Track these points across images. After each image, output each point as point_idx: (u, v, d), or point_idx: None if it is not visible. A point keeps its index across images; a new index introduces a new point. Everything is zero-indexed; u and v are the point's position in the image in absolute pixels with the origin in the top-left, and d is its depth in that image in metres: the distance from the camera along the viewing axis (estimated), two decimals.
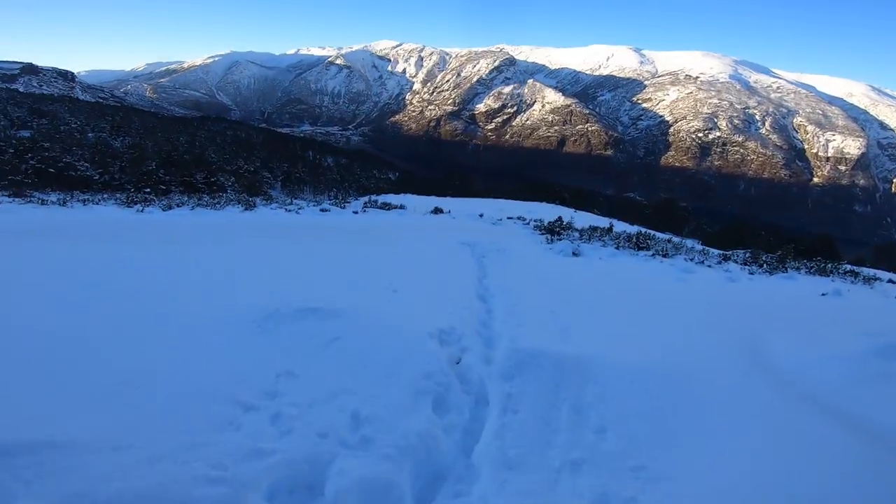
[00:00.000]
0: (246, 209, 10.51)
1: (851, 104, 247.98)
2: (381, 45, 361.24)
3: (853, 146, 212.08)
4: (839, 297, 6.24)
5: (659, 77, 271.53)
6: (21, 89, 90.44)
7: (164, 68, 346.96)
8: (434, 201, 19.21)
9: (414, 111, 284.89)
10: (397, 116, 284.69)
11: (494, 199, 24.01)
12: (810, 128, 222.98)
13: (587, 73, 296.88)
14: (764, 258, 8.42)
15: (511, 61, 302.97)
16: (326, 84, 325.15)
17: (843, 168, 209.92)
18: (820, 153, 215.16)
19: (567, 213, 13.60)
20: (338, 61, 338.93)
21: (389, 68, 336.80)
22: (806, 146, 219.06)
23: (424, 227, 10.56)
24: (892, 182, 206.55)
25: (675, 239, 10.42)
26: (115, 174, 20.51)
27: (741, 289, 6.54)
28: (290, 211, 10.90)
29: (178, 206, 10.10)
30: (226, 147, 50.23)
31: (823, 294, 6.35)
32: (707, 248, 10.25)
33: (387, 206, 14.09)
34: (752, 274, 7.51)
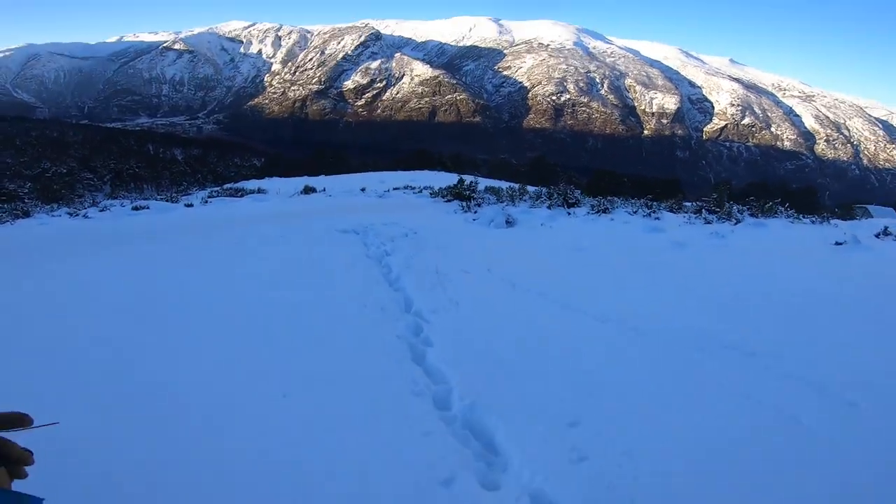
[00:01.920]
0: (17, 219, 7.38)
1: (667, 66, 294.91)
2: (231, 27, 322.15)
3: (671, 102, 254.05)
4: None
5: (516, 46, 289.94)
6: None
7: None
8: (304, 181, 16.78)
9: (275, 93, 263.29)
10: (256, 99, 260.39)
11: (373, 172, 22.22)
12: (638, 88, 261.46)
13: (452, 44, 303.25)
14: (715, 207, 6.97)
15: (377, 36, 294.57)
16: (164, 71, 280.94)
17: (665, 121, 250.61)
18: (647, 109, 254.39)
19: (453, 178, 12.50)
20: (176, 46, 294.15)
21: (242, 50, 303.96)
22: (636, 104, 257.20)
23: (288, 213, 8.32)
24: (703, 131, 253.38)
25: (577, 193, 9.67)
26: None
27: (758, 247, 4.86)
28: (83, 216, 7.90)
29: None
30: (27, 149, 40.92)
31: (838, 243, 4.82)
32: (613, 198, 9.68)
33: (238, 193, 11.50)
34: (722, 224, 6.11)
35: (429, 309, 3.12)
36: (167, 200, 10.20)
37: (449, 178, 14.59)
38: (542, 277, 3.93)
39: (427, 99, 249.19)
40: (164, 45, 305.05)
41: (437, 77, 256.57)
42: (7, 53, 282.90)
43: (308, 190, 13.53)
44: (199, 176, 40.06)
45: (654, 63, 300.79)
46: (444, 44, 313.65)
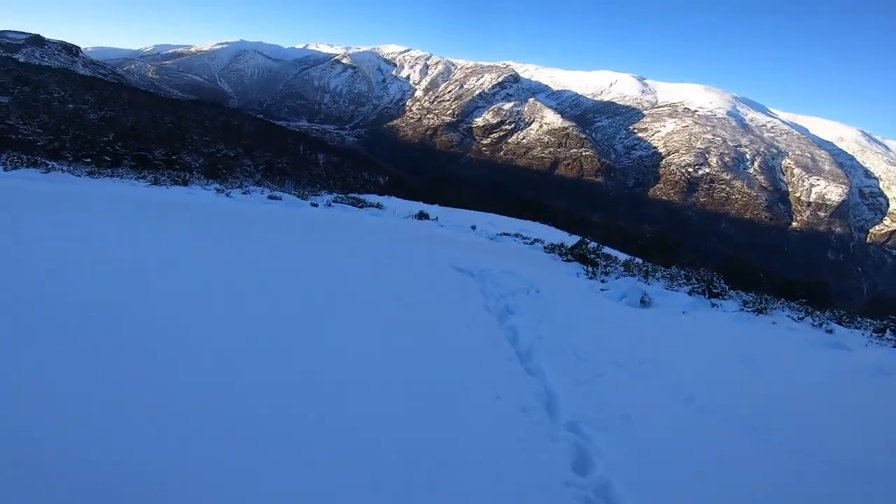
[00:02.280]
0: (173, 185, 8.86)
1: (840, 149, 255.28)
2: (389, 49, 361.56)
3: (835, 193, 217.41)
4: None
5: (658, 108, 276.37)
6: (21, 59, 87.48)
7: (171, 51, 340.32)
8: (419, 206, 17.72)
9: (412, 118, 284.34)
10: (395, 121, 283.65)
11: (484, 212, 22.61)
12: (797, 171, 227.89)
13: (589, 97, 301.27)
14: None
15: (515, 78, 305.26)
16: (329, 82, 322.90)
17: (822, 214, 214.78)
18: (802, 197, 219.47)
19: (563, 235, 12.01)
20: (344, 60, 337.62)
21: (394, 73, 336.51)
22: (790, 189, 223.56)
23: (402, 234, 8.58)
24: (868, 232, 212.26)
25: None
26: (67, 142, 18.61)
27: None
28: (226, 194, 9.16)
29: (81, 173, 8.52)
30: (213, 131, 48.85)
31: None
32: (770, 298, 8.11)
33: (359, 203, 12.42)
34: None
35: (588, 420, 2.41)
36: (299, 197, 11.39)
37: (559, 235, 14.10)
38: (720, 392, 3.09)
39: (551, 149, 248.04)
40: (336, 57, 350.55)
41: (567, 129, 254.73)
42: (223, 46, 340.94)
43: (422, 216, 14.19)
44: (331, 181, 44.56)
45: (823, 144, 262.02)
46: (581, 95, 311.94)
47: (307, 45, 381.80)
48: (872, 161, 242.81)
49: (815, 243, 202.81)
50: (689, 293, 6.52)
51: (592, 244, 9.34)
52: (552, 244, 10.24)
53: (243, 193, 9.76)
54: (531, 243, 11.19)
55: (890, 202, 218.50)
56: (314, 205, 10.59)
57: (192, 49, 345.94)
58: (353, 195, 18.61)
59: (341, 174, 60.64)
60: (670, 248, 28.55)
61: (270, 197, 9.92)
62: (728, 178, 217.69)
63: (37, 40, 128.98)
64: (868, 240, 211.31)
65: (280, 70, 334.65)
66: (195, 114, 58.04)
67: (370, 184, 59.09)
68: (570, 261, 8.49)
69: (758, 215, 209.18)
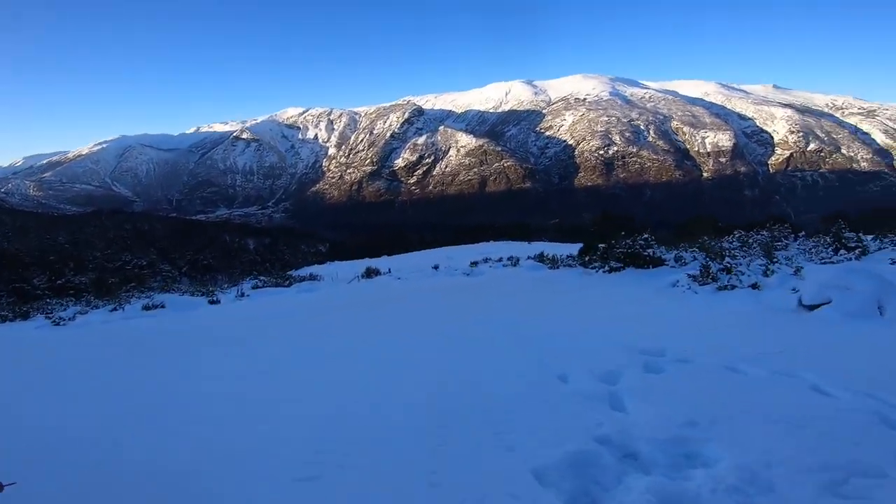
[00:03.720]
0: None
1: (710, 102, 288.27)
2: (288, 114, 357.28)
3: (724, 138, 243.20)
4: None
5: (553, 104, 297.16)
6: None
7: (45, 161, 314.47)
8: (365, 263, 16.10)
9: (333, 177, 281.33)
10: (318, 186, 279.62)
11: (436, 248, 21.20)
12: (686, 129, 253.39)
13: (491, 111, 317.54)
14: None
15: (419, 111, 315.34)
16: (235, 161, 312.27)
17: (723, 160, 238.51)
18: (701, 150, 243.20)
19: (523, 246, 11.04)
20: (244, 135, 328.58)
21: (300, 136, 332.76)
22: (688, 146, 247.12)
23: (342, 310, 6.85)
24: (768, 164, 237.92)
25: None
26: None
27: None
28: (58, 323, 7.33)
29: None
30: (119, 241, 44.95)
31: None
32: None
33: (285, 282, 10.68)
34: None
35: None
36: (195, 294, 9.56)
37: (521, 247, 13.16)
38: None
39: (475, 169, 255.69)
40: (234, 134, 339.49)
41: (482, 146, 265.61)
42: (103, 146, 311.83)
43: (371, 273, 12.68)
44: (268, 264, 42.05)
45: (696, 101, 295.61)
46: (484, 112, 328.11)
47: (198, 128, 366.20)
48: (740, 106, 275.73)
49: (730, 186, 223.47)
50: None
51: (645, 237, 7.07)
52: (544, 256, 9.17)
53: (111, 311, 7.87)
54: (513, 264, 9.89)
55: (772, 136, 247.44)
56: (214, 301, 8.64)
57: (70, 155, 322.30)
58: (281, 274, 16.65)
59: (277, 254, 57.66)
60: (625, 225, 28.91)
61: (147, 307, 7.96)
62: (635, 150, 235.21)
63: None
64: (771, 171, 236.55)
65: (177, 160, 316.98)
66: (94, 227, 53.24)
67: (310, 255, 56.51)
68: (614, 270, 6.61)
69: (672, 176, 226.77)
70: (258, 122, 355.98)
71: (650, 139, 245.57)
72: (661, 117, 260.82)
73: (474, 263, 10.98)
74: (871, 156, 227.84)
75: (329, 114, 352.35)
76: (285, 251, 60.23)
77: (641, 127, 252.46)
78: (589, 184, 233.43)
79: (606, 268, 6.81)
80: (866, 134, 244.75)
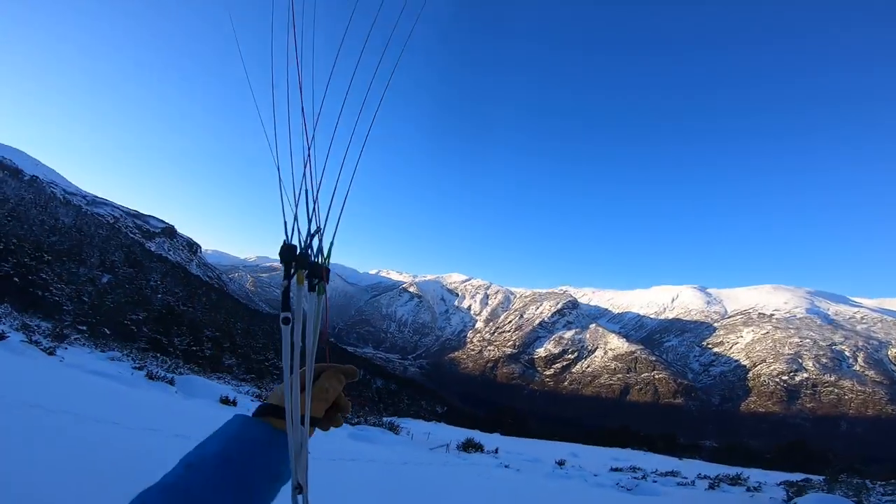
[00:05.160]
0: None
1: None
2: (452, 279, 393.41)
3: None
4: None
5: (729, 318, 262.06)
6: (153, 247, 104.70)
7: (269, 263, 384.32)
8: (467, 433, 12.98)
9: (473, 350, 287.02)
10: (457, 353, 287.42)
11: (561, 441, 17.02)
12: None
13: (652, 316, 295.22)
14: None
15: (574, 304, 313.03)
16: (396, 310, 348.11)
17: None
18: None
19: (672, 462, 7.03)
20: (411, 289, 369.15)
21: (456, 303, 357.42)
22: None
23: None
24: None
25: None
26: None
27: None
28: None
29: None
30: (264, 341, 50.33)
31: None
32: None
33: (380, 425, 8.55)
34: None
35: None
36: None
37: (659, 461, 8.97)
38: None
39: (620, 375, 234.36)
40: (404, 285, 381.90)
41: (634, 353, 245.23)
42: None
43: (470, 446, 9.71)
44: (381, 405, 41.36)
45: None
46: (643, 316, 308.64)
47: (378, 271, 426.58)
48: None
49: None
50: None
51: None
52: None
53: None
54: (689, 484, 6.05)
55: None
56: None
57: None
58: (387, 419, 14.64)
59: (395, 400, 57.00)
60: (814, 457, 21.71)
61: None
62: (832, 379, 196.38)
63: (170, 232, 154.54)
64: None
65: (354, 294, 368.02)
66: (266, 326, 61.67)
67: (426, 412, 54.61)
68: None
69: (882, 410, 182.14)
70: (426, 279, 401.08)
71: (856, 368, 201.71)
72: (876, 343, 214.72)
73: (615, 470, 7.29)
74: None
75: (487, 287, 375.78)
76: (402, 401, 59.05)
77: (846, 353, 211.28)
78: (760, 410, 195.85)
79: None
80: None
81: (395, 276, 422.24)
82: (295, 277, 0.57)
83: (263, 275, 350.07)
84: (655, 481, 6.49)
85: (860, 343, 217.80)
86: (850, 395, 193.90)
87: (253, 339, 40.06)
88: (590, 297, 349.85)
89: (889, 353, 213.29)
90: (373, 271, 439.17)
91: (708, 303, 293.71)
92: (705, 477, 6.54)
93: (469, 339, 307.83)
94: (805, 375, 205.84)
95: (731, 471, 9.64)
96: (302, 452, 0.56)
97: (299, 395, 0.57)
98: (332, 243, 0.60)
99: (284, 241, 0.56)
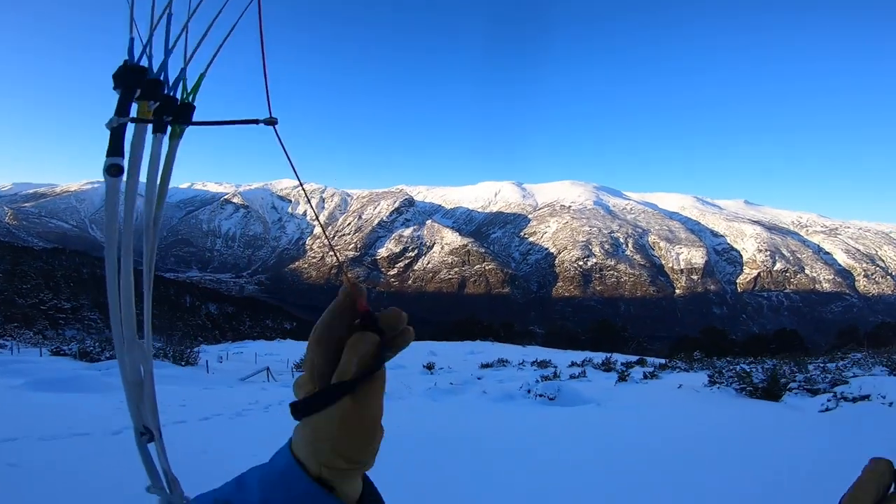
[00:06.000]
0: None
1: (686, 217, 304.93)
2: (283, 185, 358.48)
3: (697, 256, 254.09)
4: None
5: (540, 210, 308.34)
6: None
7: (31, 190, 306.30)
8: (304, 345, 12.82)
9: (314, 257, 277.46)
10: (297, 263, 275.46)
11: (415, 341, 18.74)
12: (662, 244, 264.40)
13: (479, 210, 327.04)
14: None
15: (410, 202, 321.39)
16: (220, 224, 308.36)
17: (695, 277, 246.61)
18: (675, 266, 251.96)
19: (515, 350, 8.31)
20: (235, 199, 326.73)
21: (290, 210, 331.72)
22: (663, 261, 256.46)
23: None
24: (736, 283, 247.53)
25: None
26: None
27: None
28: None
29: None
30: (62, 283, 41.20)
31: None
32: None
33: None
34: None
35: None
36: None
37: (510, 350, 10.57)
38: None
39: (457, 269, 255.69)
40: (225, 196, 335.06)
41: (466, 246, 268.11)
42: (94, 185, 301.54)
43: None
44: (217, 332, 38.09)
45: (673, 215, 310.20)
46: (472, 210, 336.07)
47: (192, 184, 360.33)
48: (714, 222, 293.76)
49: (700, 303, 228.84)
50: None
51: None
52: (586, 361, 6.14)
53: None
54: (519, 366, 6.94)
55: (741, 254, 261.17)
56: None
57: (58, 189, 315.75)
58: (226, 346, 13.18)
59: (235, 324, 53.37)
60: (618, 335, 27.64)
61: None
62: (613, 263, 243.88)
63: None
64: (738, 289, 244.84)
65: (163, 213, 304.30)
66: (44, 264, 49.26)
67: (272, 330, 52.93)
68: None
69: (646, 291, 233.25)
70: (252, 188, 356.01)
71: (628, 252, 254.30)
72: (640, 231, 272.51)
73: (483, 367, 8.05)
74: (832, 276, 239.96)
75: (322, 191, 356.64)
76: (246, 322, 55.77)
77: (620, 239, 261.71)
78: (566, 294, 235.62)
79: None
80: (829, 254, 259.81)
81: (213, 188, 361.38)
82: (135, 110, 0.39)
83: (27, 204, 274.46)
84: (498, 370, 7.27)
85: (630, 231, 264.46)
86: (625, 278, 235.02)
87: (21, 280, 31.78)
88: (424, 194, 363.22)
89: (649, 239, 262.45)
90: (184, 185, 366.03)
91: (524, 196, 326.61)
92: (598, 365, 7.10)
93: (309, 247, 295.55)
94: (594, 261, 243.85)
95: (595, 356, 10.90)
96: (145, 388, 0.43)
97: (133, 308, 0.41)
98: (203, 74, 0.42)
99: (126, 61, 0.40)
